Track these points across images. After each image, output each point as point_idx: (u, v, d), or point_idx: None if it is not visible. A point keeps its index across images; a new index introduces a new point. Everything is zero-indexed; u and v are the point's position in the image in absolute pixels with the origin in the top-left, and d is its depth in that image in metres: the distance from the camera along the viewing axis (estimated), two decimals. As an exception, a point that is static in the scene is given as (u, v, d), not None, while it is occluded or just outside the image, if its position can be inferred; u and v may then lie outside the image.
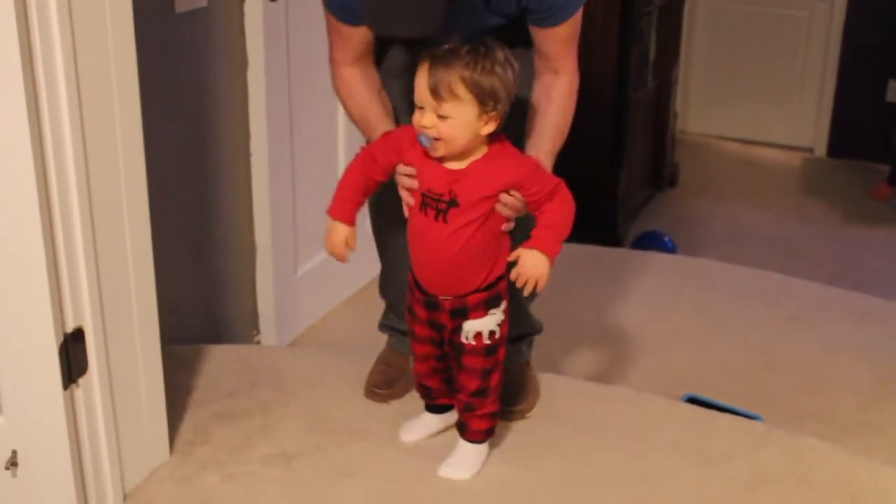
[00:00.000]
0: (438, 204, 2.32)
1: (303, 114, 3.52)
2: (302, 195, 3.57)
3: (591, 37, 5.09)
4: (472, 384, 2.49)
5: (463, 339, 2.45)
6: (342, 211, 2.40)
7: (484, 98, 2.23)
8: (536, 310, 2.92)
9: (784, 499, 2.51)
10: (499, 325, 2.46)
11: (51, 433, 2.28)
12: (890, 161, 6.58)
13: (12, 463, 2.31)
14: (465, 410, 2.54)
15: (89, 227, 2.22)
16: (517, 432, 2.74)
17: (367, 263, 3.53)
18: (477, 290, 2.42)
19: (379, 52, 2.59)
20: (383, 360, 2.94)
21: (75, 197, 2.17)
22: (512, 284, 2.39)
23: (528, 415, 2.80)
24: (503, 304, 2.46)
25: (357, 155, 2.45)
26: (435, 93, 2.21)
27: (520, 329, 2.87)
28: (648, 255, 4.78)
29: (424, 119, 2.24)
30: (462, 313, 2.43)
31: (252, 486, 2.52)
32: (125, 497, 2.45)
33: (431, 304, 2.45)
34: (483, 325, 2.44)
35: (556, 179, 2.35)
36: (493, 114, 2.26)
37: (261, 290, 3.52)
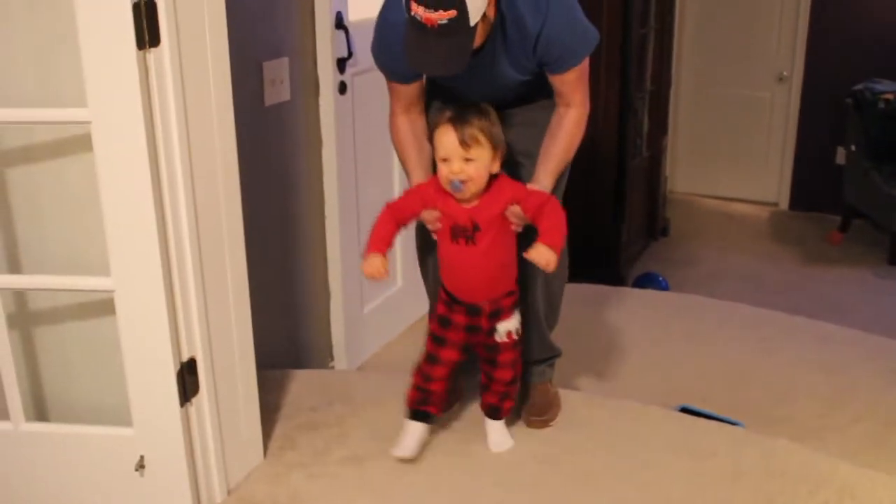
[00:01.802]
0: (466, 232, 2.41)
1: (366, 182, 3.55)
2: (366, 248, 3.60)
3: (596, 116, 5.11)
4: (507, 375, 2.60)
5: (497, 339, 2.54)
6: (379, 247, 2.41)
7: (495, 142, 2.35)
8: (557, 338, 2.93)
9: (759, 488, 2.49)
10: (520, 322, 2.57)
11: (171, 442, 2.32)
12: (840, 212, 6.54)
13: (140, 465, 2.34)
14: (502, 399, 2.64)
15: (200, 280, 2.26)
16: (545, 438, 2.74)
17: (418, 303, 3.56)
18: (507, 295, 2.52)
19: (428, 104, 2.65)
20: (433, 380, 2.94)
21: (189, 256, 2.22)
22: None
23: (552, 423, 2.80)
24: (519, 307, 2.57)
25: (384, 210, 2.48)
26: (463, 142, 2.31)
27: (544, 353, 2.88)
28: (646, 293, 4.76)
29: (454, 166, 2.33)
30: (497, 314, 2.52)
31: (331, 483, 2.53)
32: (229, 492, 2.48)
33: (473, 311, 2.52)
34: (512, 324, 2.55)
35: (546, 194, 2.44)
36: (500, 153, 2.38)
37: (334, 326, 3.54)
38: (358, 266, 3.51)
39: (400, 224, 2.48)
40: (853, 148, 6.29)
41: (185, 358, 2.28)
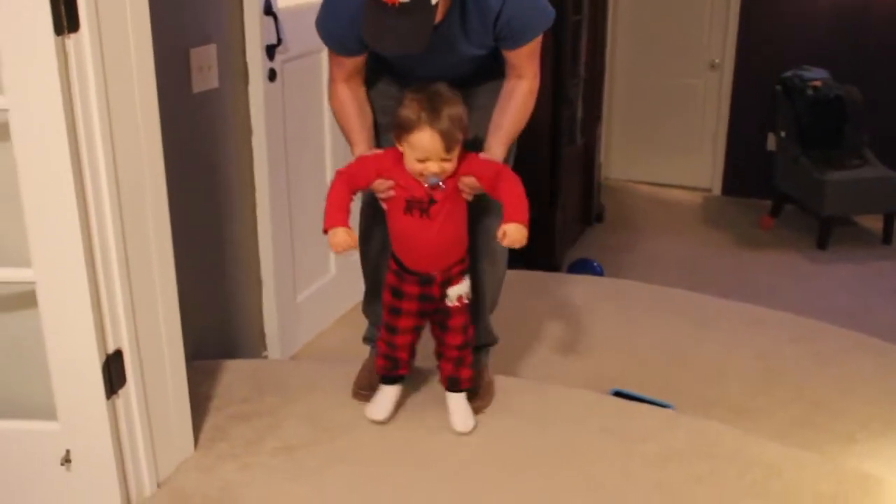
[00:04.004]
0: (421, 205, 2.41)
1: (297, 170, 3.52)
2: (298, 237, 3.57)
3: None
4: (458, 339, 2.62)
5: (448, 304, 2.57)
6: (340, 219, 2.39)
7: (465, 129, 2.36)
8: (494, 324, 2.93)
9: (689, 470, 2.52)
10: (469, 286, 2.59)
11: (97, 435, 2.28)
12: (772, 198, 6.64)
13: (67, 460, 2.30)
14: (457, 364, 2.64)
15: (125, 270, 2.22)
16: (477, 424, 2.74)
17: (351, 291, 3.54)
18: (458, 262, 2.54)
19: (373, 80, 2.63)
20: (367, 367, 2.92)
21: (113, 246, 2.17)
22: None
23: (484, 410, 2.80)
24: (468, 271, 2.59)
25: (336, 178, 2.46)
26: (447, 147, 2.31)
27: (481, 340, 2.87)
28: (581, 278, 4.79)
29: (434, 167, 2.34)
30: (448, 282, 2.54)
31: (263, 473, 2.51)
32: (158, 485, 2.44)
33: (425, 281, 2.53)
34: (463, 288, 2.58)
35: (499, 164, 2.47)
36: (468, 134, 2.39)
37: (267, 315, 3.50)
38: (290, 255, 3.52)
39: (354, 191, 2.46)
40: (783, 134, 6.40)
41: (110, 349, 2.24)
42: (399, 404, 2.75)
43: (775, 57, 6.67)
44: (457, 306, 2.59)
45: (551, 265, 5.40)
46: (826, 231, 6.18)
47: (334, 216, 2.40)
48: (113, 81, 2.11)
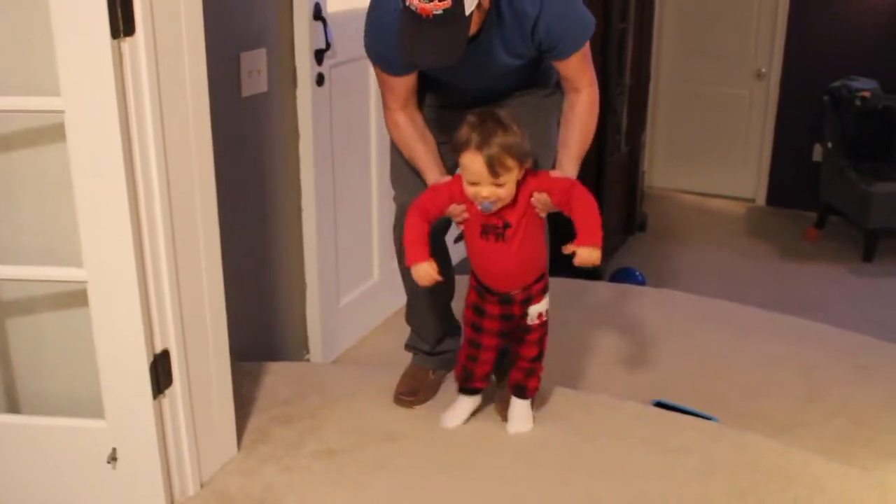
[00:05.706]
0: (496, 230, 2.42)
1: (343, 176, 3.54)
2: (343, 241, 3.59)
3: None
4: (533, 352, 2.64)
5: (529, 322, 2.58)
6: (421, 254, 2.41)
7: (522, 158, 2.32)
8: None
9: (732, 483, 2.50)
10: (548, 303, 2.61)
11: (143, 434, 2.30)
12: (817, 209, 6.58)
13: (113, 458, 2.33)
14: (527, 375, 2.67)
15: (174, 271, 2.24)
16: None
17: (394, 297, 3.55)
18: (537, 281, 2.55)
19: (420, 97, 2.62)
20: (409, 374, 2.94)
21: (163, 247, 2.20)
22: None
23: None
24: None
25: (410, 211, 2.46)
26: (493, 172, 2.28)
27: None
28: (623, 287, 4.77)
29: (484, 191, 2.32)
30: (528, 301, 2.55)
31: (304, 476, 2.52)
32: (202, 485, 2.46)
33: (505, 300, 2.55)
34: (543, 307, 2.60)
35: (570, 180, 2.45)
36: (528, 164, 2.37)
37: (310, 318, 3.52)
38: (334, 260, 3.54)
39: (430, 222, 2.47)
40: (830, 145, 6.34)
41: (158, 349, 2.27)
42: (475, 412, 2.79)
43: (823, 67, 6.60)
44: (537, 324, 2.60)
45: (593, 273, 5.36)
46: (872, 244, 6.11)
47: (415, 252, 2.42)
48: (166, 84, 2.14)
